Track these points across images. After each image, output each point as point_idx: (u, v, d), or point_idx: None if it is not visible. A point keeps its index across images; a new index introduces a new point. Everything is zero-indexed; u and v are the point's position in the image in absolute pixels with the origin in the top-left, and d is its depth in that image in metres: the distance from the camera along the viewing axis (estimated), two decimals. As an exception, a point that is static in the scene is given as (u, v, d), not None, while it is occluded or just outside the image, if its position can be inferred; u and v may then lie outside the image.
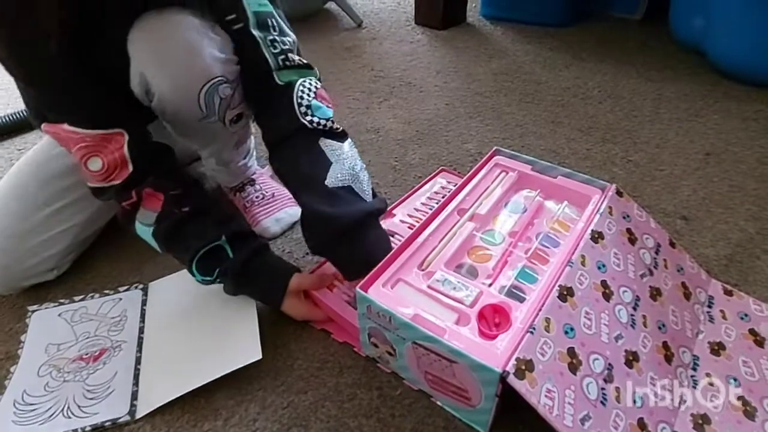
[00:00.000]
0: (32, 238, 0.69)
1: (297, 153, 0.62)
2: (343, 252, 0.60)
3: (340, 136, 0.65)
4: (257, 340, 0.60)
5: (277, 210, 0.82)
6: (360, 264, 0.57)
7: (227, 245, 0.61)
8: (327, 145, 0.62)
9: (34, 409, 0.57)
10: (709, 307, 0.64)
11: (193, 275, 0.62)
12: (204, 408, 0.57)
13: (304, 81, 0.64)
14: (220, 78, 0.60)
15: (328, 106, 0.65)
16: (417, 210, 0.78)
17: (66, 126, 0.58)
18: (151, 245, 0.63)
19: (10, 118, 1.11)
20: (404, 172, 0.94)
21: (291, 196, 0.82)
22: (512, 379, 0.44)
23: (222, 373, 0.57)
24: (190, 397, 0.57)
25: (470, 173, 0.70)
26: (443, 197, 0.75)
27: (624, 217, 0.62)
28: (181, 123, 0.64)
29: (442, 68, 1.37)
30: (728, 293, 0.66)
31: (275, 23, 0.63)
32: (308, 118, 0.62)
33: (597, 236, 0.57)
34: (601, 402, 0.47)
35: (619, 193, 0.64)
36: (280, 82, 0.63)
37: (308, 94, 0.64)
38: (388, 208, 0.76)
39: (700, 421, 0.52)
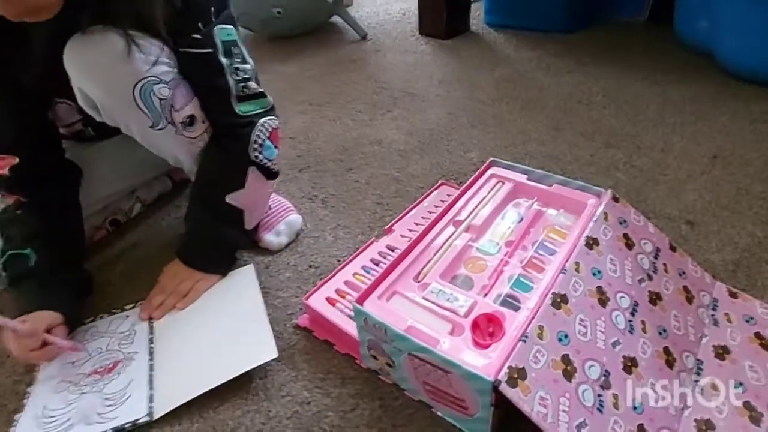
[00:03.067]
0: None
1: (226, 156, 0.72)
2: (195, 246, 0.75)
3: (272, 175, 0.76)
4: (272, 339, 0.62)
5: (276, 222, 0.84)
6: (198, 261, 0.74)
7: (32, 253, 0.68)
8: (252, 174, 0.72)
9: (54, 421, 0.59)
10: (714, 310, 0.63)
11: None
12: (212, 419, 0.58)
13: (265, 122, 0.72)
14: (150, 78, 0.63)
15: (275, 147, 0.75)
16: (417, 224, 0.79)
17: None
18: None
19: None
20: (406, 183, 0.96)
21: (288, 205, 0.86)
22: (504, 388, 0.44)
23: (239, 372, 0.59)
24: (198, 408, 0.59)
25: (466, 185, 0.71)
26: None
27: (620, 223, 0.62)
28: (139, 134, 0.69)
29: (444, 78, 1.38)
30: (733, 296, 0.65)
31: (239, 51, 0.70)
32: (256, 154, 0.72)
33: (592, 242, 0.58)
34: (598, 409, 0.47)
35: (615, 199, 0.64)
36: (238, 111, 0.70)
37: (265, 134, 0.72)
38: (388, 225, 0.79)
39: (704, 427, 0.52)
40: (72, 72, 0.62)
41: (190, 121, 0.69)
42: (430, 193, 0.86)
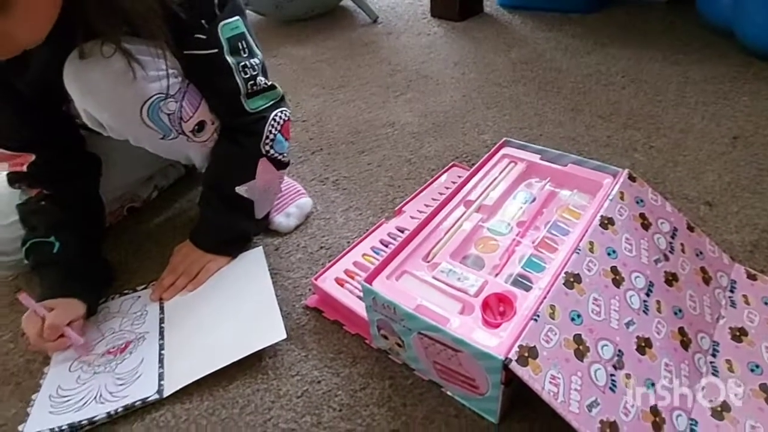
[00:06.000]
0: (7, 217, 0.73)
1: (238, 150, 0.72)
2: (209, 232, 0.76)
3: (282, 165, 0.76)
4: (280, 321, 0.62)
5: (286, 205, 0.84)
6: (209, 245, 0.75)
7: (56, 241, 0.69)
8: (262, 164, 0.72)
9: (68, 400, 0.60)
10: (731, 291, 0.62)
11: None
12: (222, 397, 0.59)
13: (276, 114, 0.72)
14: (157, 95, 0.61)
15: (286, 140, 0.75)
16: (427, 206, 0.78)
17: None
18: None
19: None
20: (419, 165, 0.95)
21: (299, 188, 0.86)
22: (515, 366, 0.44)
23: (248, 353, 0.60)
24: (209, 387, 0.60)
25: (477, 165, 0.70)
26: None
27: (637, 202, 0.61)
28: (149, 145, 0.68)
29: (459, 60, 1.36)
30: (752, 277, 0.63)
31: (245, 45, 0.67)
32: (268, 148, 0.72)
33: (606, 222, 0.56)
34: (610, 388, 0.46)
35: (632, 178, 0.62)
36: (248, 109, 0.70)
37: (276, 128, 0.72)
38: (398, 207, 0.79)
39: (719, 409, 0.51)
40: (74, 95, 0.61)
41: (200, 127, 0.69)
42: (441, 174, 0.85)
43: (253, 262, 0.75)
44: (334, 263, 0.69)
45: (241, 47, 0.66)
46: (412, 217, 0.76)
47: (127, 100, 0.61)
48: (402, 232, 0.73)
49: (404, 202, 0.79)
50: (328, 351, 0.63)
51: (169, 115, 0.64)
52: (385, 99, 1.20)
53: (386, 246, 0.71)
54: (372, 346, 0.62)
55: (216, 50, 0.64)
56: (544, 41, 1.41)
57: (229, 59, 0.65)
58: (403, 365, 0.59)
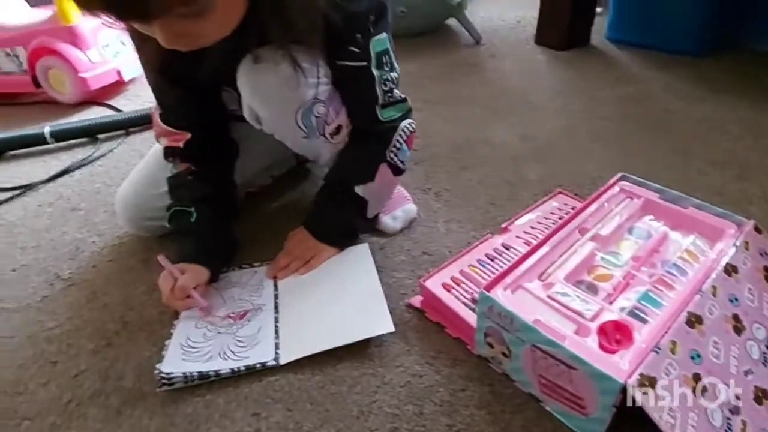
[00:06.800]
0: (159, 187, 0.82)
1: (365, 154, 0.78)
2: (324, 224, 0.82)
3: (399, 172, 0.81)
4: (388, 314, 0.67)
5: (393, 208, 0.89)
6: (323, 235, 0.81)
7: (194, 212, 0.78)
8: (382, 169, 0.78)
9: (197, 351, 0.68)
10: None
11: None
12: (331, 374, 0.64)
13: (405, 125, 0.78)
14: (311, 100, 0.69)
15: (409, 149, 0.80)
16: (533, 228, 0.80)
17: (157, 118, 0.80)
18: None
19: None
20: (520, 187, 0.97)
21: (406, 194, 0.91)
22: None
23: (358, 338, 0.65)
24: (319, 363, 0.65)
25: (593, 196, 0.72)
26: (559, 218, 0.77)
27: (762, 254, 0.60)
28: (291, 142, 0.76)
29: (562, 89, 1.37)
30: None
31: (388, 60, 0.73)
32: (392, 155, 0.78)
33: (731, 269, 0.57)
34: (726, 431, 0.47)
35: (757, 230, 0.62)
36: (381, 117, 0.75)
37: (403, 137, 0.78)
38: (504, 225, 0.82)
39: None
40: (244, 93, 0.69)
41: (337, 130, 0.75)
42: (549, 199, 0.87)
43: (360, 256, 0.81)
44: (442, 269, 0.73)
45: (385, 61, 0.72)
46: (517, 237, 0.78)
47: (288, 102, 0.68)
48: (507, 249, 0.76)
49: (509, 221, 0.82)
50: (429, 349, 0.67)
51: (317, 118, 0.71)
52: (486, 119, 1.24)
53: (492, 260, 0.75)
54: (473, 351, 0.65)
55: (365, 63, 0.70)
56: (652, 80, 1.39)
57: (375, 72, 0.71)
58: (503, 375, 0.62)
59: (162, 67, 0.70)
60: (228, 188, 0.85)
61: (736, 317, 0.54)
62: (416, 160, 1.08)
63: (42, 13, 1.47)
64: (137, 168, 0.89)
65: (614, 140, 1.11)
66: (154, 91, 0.79)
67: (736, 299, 0.55)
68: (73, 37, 1.42)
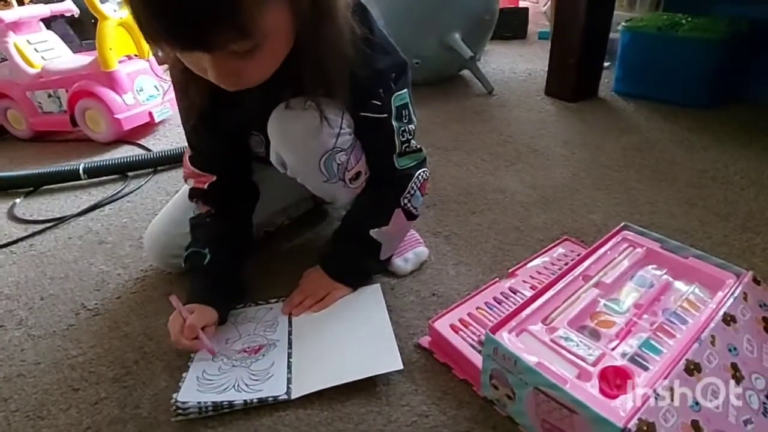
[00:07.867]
0: (185, 227, 0.86)
1: (380, 199, 0.82)
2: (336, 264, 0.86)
3: (413, 217, 0.85)
4: (397, 352, 0.70)
5: (405, 251, 0.92)
6: (337, 274, 0.85)
7: (208, 254, 0.81)
8: (396, 214, 0.82)
9: (212, 383, 0.71)
10: None
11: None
12: (339, 411, 0.66)
13: (420, 174, 0.82)
14: (335, 148, 0.74)
15: (423, 195, 0.84)
16: (539, 273, 0.83)
17: (187, 160, 0.86)
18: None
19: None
20: (527, 234, 1.00)
21: (418, 237, 0.95)
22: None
23: (368, 375, 0.67)
24: (328, 399, 0.67)
25: (597, 244, 0.75)
26: (565, 264, 0.80)
27: (760, 305, 0.62)
28: (311, 186, 0.81)
29: (569, 139, 1.42)
30: None
31: (407, 113, 0.79)
32: (406, 201, 0.82)
33: (729, 319, 0.59)
34: (724, 482, 0.48)
35: (756, 281, 0.64)
36: (397, 166, 0.80)
37: (417, 185, 0.82)
38: (512, 270, 0.84)
39: None
40: (274, 139, 0.75)
41: (357, 176, 0.80)
42: (556, 246, 0.90)
43: (372, 296, 0.84)
44: (450, 310, 0.76)
45: (404, 114, 0.78)
46: (524, 281, 0.81)
47: (314, 149, 0.74)
48: (514, 293, 0.78)
49: (517, 266, 0.85)
50: (435, 390, 0.68)
51: (338, 164, 0.76)
52: (495, 166, 1.29)
53: (499, 303, 0.77)
54: (479, 393, 0.67)
55: (386, 115, 0.76)
56: (657, 131, 1.43)
57: (394, 123, 0.77)
58: (507, 418, 0.64)
59: (203, 111, 0.76)
60: (246, 228, 0.90)
61: (734, 366, 0.55)
62: (427, 204, 1.12)
63: (83, 59, 1.59)
64: (167, 206, 0.95)
65: (619, 189, 1.15)
66: (188, 134, 0.84)
67: (735, 349, 0.57)
68: (111, 81, 1.53)
